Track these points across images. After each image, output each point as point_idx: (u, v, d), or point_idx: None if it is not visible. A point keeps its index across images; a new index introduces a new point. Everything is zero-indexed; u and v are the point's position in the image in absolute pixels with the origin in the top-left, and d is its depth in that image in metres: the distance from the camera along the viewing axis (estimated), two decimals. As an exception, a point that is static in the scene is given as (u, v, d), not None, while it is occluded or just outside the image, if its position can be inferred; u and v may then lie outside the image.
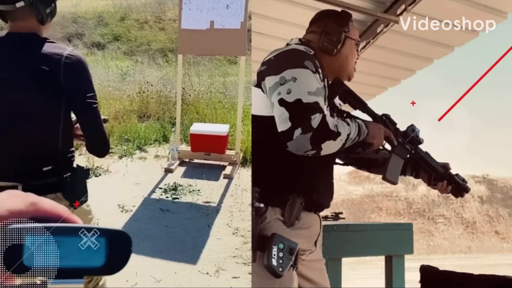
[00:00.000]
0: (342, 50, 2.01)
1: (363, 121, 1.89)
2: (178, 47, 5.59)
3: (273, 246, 1.71)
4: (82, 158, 4.78)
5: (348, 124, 1.80)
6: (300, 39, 2.03)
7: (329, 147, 1.74)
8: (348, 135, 1.79)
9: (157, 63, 9.71)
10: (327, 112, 1.83)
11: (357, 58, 2.11)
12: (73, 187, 2.02)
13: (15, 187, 1.91)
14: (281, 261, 1.71)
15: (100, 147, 2.09)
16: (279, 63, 1.84)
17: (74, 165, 2.08)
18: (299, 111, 1.71)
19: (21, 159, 1.96)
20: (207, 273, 3.43)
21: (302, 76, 1.77)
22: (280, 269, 1.71)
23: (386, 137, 1.94)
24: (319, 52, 1.97)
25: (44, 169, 1.96)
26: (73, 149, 2.09)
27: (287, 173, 1.85)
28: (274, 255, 1.70)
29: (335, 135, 1.74)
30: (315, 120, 1.70)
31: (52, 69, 1.89)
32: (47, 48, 1.93)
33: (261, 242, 1.74)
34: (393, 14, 3.79)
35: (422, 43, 4.21)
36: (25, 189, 1.84)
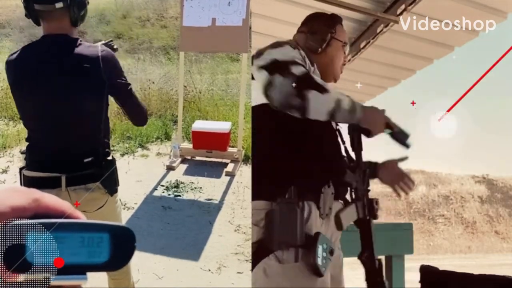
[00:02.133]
0: (327, 50, 2.04)
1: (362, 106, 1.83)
2: (180, 45, 5.61)
3: (319, 246, 1.68)
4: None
5: (342, 94, 1.75)
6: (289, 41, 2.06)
7: (316, 100, 1.66)
8: (339, 101, 1.71)
9: (159, 61, 9.71)
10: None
11: (345, 61, 2.14)
12: (111, 177, 2.16)
13: (58, 178, 2.05)
14: (324, 261, 1.69)
15: (143, 118, 2.35)
16: (263, 49, 1.86)
17: (110, 157, 2.21)
18: (277, 65, 1.70)
19: (65, 152, 2.09)
20: (209, 270, 3.45)
21: (279, 50, 1.81)
22: (324, 269, 1.68)
23: (386, 123, 1.87)
24: (305, 51, 1.98)
25: (85, 160, 2.10)
26: (110, 141, 2.24)
27: (316, 166, 1.80)
28: (319, 254, 1.67)
29: (322, 88, 1.68)
30: (296, 69, 1.67)
31: (92, 66, 2.05)
32: (83, 48, 2.08)
33: (306, 240, 1.69)
34: (393, 14, 3.79)
35: (422, 43, 4.22)
36: (67, 180, 2.04)
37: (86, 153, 2.11)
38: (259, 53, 1.84)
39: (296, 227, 1.69)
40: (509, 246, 15.44)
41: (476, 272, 1.95)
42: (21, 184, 2.14)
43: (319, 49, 2.03)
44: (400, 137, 1.89)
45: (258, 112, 1.86)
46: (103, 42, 2.37)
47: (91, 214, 2.08)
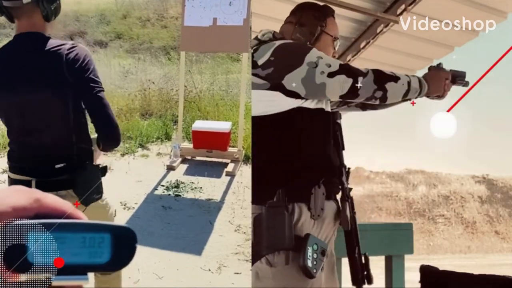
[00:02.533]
0: (316, 44, 1.97)
1: (423, 75, 2.00)
2: (181, 44, 5.61)
3: (308, 247, 1.68)
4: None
5: (407, 75, 1.91)
6: (273, 33, 1.99)
7: (393, 89, 1.84)
8: (409, 82, 1.89)
9: (159, 61, 9.70)
10: None
11: (334, 57, 2.06)
12: (85, 185, 2.03)
13: (30, 182, 1.97)
14: (315, 262, 1.69)
15: (110, 135, 2.04)
16: (290, 57, 1.84)
17: (94, 164, 2.10)
18: (349, 69, 1.82)
19: (34, 156, 2.01)
20: (209, 270, 3.45)
21: (320, 53, 1.85)
22: (314, 270, 1.69)
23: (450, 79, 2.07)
24: None
25: (56, 166, 2.00)
26: (89, 146, 2.10)
27: (305, 166, 1.82)
28: (309, 256, 1.68)
29: (394, 77, 1.86)
30: (363, 69, 1.83)
31: (55, 64, 1.93)
32: (49, 45, 1.97)
33: (296, 242, 1.70)
34: (393, 14, 3.80)
35: (422, 43, 4.22)
36: (38, 185, 1.96)
37: (57, 158, 2.01)
38: (293, 62, 1.82)
39: (284, 230, 1.70)
40: (509, 246, 15.44)
41: (476, 272, 1.95)
42: (9, 185, 2.08)
43: (308, 44, 1.96)
44: (463, 83, 2.13)
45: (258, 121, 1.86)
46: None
47: None
